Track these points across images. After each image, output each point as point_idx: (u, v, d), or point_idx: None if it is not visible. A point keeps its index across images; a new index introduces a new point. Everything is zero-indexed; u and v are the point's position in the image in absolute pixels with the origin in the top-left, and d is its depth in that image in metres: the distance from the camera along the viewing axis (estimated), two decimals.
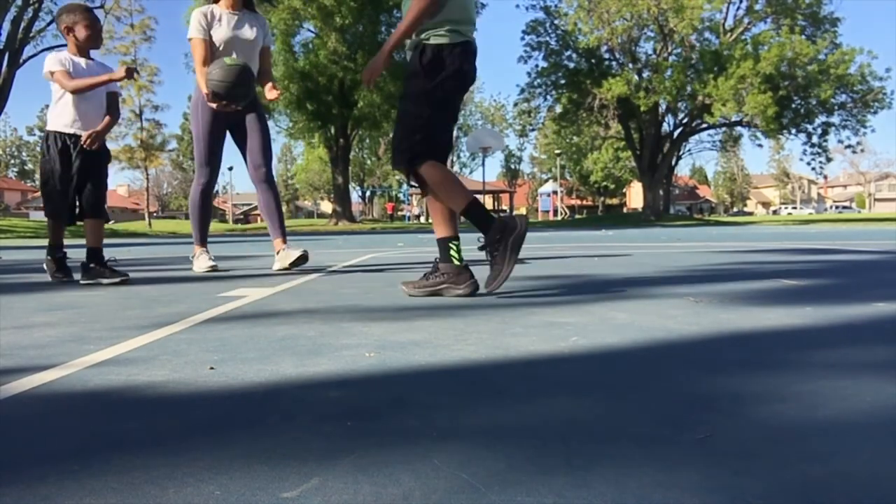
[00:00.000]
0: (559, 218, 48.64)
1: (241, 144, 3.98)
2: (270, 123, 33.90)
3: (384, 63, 2.61)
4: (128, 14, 31.74)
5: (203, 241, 4.10)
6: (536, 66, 32.06)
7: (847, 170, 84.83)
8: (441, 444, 0.89)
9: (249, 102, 3.82)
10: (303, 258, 3.83)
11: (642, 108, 29.23)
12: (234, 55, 3.81)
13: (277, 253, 3.94)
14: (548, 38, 32.00)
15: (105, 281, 3.40)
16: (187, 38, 3.85)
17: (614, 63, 31.28)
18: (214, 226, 33.45)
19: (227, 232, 26.28)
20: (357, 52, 30.50)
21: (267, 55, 4.09)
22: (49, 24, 24.66)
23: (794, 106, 28.62)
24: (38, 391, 1.22)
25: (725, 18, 30.55)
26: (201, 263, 4.03)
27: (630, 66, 30.24)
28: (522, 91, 32.79)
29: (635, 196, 62.52)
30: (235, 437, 0.93)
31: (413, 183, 2.70)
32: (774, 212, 78.25)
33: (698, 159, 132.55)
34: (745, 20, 30.64)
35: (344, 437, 0.92)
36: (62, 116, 3.43)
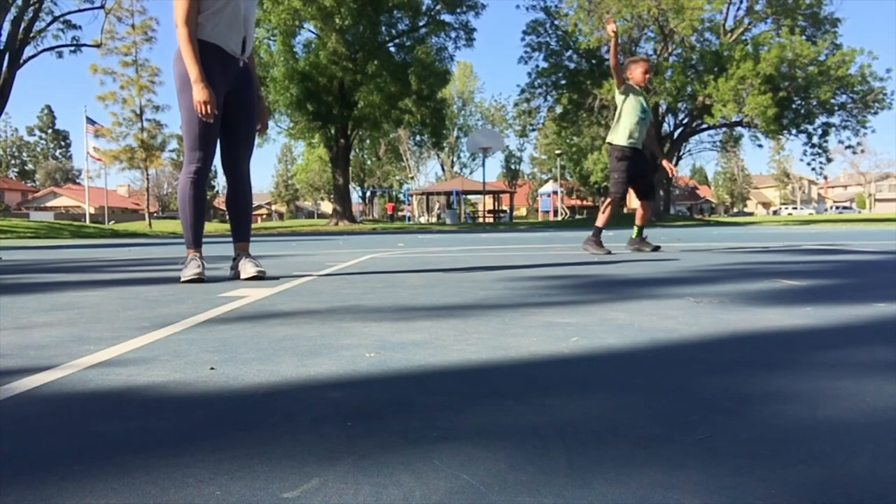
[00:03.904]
0: (559, 218, 48.65)
1: (225, 126, 3.41)
2: (271, 123, 33.99)
3: None
4: (129, 14, 31.72)
5: (196, 243, 3.41)
6: (537, 66, 32.10)
7: (847, 170, 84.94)
8: (441, 444, 0.89)
9: (246, 83, 3.42)
10: (258, 277, 3.40)
11: None
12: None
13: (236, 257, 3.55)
14: (548, 39, 32.04)
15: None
16: None
17: None
18: (215, 226, 33.39)
19: (228, 232, 26.27)
20: (357, 53, 30.54)
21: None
22: (49, 24, 24.69)
23: (794, 106, 28.61)
24: (39, 391, 1.22)
25: (726, 19, 30.55)
26: (188, 271, 3.35)
27: None
28: (523, 91, 32.83)
29: (635, 197, 62.41)
30: (236, 437, 0.93)
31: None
32: (775, 212, 78.28)
33: (698, 160, 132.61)
34: (746, 21, 30.64)
35: (344, 438, 0.92)
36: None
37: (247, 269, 3.43)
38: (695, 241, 8.57)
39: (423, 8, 32.04)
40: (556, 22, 31.33)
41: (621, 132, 5.51)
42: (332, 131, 32.71)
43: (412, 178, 64.99)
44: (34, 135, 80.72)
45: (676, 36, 28.27)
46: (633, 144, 5.53)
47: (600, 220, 5.70)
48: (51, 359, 1.49)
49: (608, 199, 5.79)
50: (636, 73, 5.58)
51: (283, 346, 1.60)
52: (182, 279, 3.32)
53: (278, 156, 80.00)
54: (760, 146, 53.62)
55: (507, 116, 59.60)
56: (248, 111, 3.45)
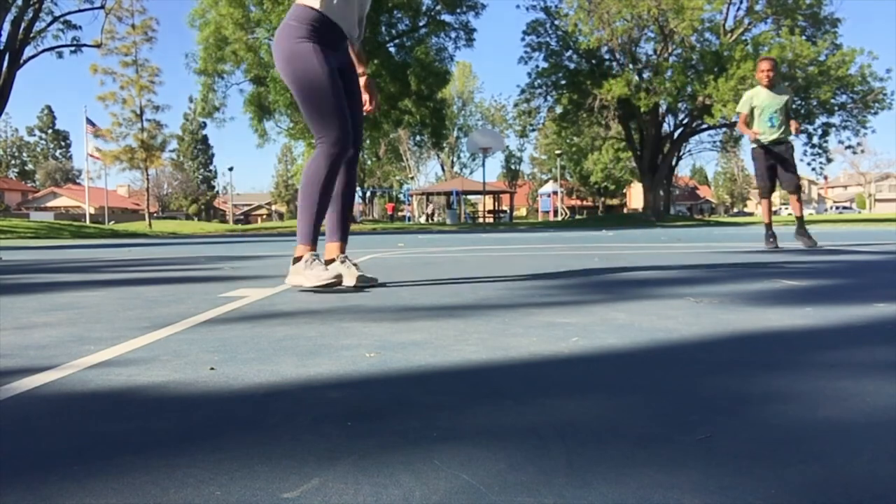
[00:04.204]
0: (559, 218, 48.64)
1: None
2: (271, 124, 33.99)
3: None
4: (129, 14, 31.74)
5: (313, 239, 2.78)
6: (537, 66, 32.08)
7: (847, 170, 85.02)
8: (441, 444, 0.89)
9: (351, 67, 3.03)
10: (372, 282, 2.96)
11: (643, 109, 29.19)
12: None
13: (330, 261, 2.93)
14: (548, 39, 32.01)
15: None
16: None
17: (615, 64, 31.27)
18: (214, 226, 33.32)
19: (228, 232, 26.28)
20: None
21: None
22: (49, 24, 24.69)
23: (794, 107, 28.60)
24: (39, 391, 1.22)
25: (726, 19, 30.52)
26: (314, 274, 2.69)
27: (630, 66, 30.22)
28: (523, 91, 32.80)
29: (635, 197, 62.57)
30: (236, 437, 0.93)
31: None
32: (775, 212, 78.25)
33: (698, 160, 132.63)
34: (746, 21, 30.61)
35: (344, 438, 0.92)
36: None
37: (354, 273, 2.90)
38: (695, 241, 8.57)
39: (423, 8, 32.01)
40: (556, 22, 31.31)
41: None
42: None
43: (412, 178, 65.00)
44: (34, 135, 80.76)
45: (676, 36, 28.25)
46: (764, 142, 6.04)
47: (764, 217, 6.34)
48: (51, 359, 1.49)
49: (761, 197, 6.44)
50: (757, 72, 6.06)
51: (283, 346, 1.60)
52: (307, 285, 2.71)
53: (278, 156, 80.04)
54: None
55: (507, 116, 59.57)
56: (356, 96, 3.04)
